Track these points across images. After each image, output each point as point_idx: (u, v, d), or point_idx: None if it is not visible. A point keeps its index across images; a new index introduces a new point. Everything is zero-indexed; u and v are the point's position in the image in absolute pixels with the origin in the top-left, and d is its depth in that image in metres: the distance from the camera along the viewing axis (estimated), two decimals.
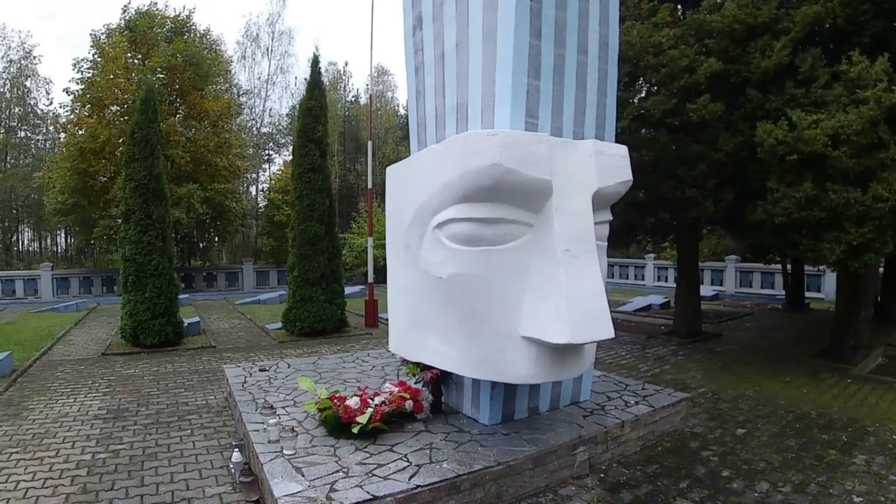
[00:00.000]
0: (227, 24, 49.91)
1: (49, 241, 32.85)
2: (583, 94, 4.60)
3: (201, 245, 27.12)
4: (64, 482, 4.47)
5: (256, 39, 33.01)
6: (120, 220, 11.68)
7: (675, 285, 10.11)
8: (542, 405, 4.99)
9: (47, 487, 4.37)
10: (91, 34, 20.34)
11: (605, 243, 3.95)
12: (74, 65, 20.13)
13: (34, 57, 28.59)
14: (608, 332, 3.27)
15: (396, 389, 5.05)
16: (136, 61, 19.91)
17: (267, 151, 35.32)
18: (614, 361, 8.36)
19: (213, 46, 23.28)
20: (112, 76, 19.26)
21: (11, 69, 27.65)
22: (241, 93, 30.55)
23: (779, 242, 6.54)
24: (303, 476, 3.81)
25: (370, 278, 12.64)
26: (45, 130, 28.18)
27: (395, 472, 3.83)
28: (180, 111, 21.35)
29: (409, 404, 4.90)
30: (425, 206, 3.68)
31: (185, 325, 10.95)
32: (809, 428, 5.42)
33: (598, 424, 4.66)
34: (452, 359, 3.83)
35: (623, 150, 3.87)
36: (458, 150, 3.38)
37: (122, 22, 20.83)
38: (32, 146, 28.46)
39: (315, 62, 11.84)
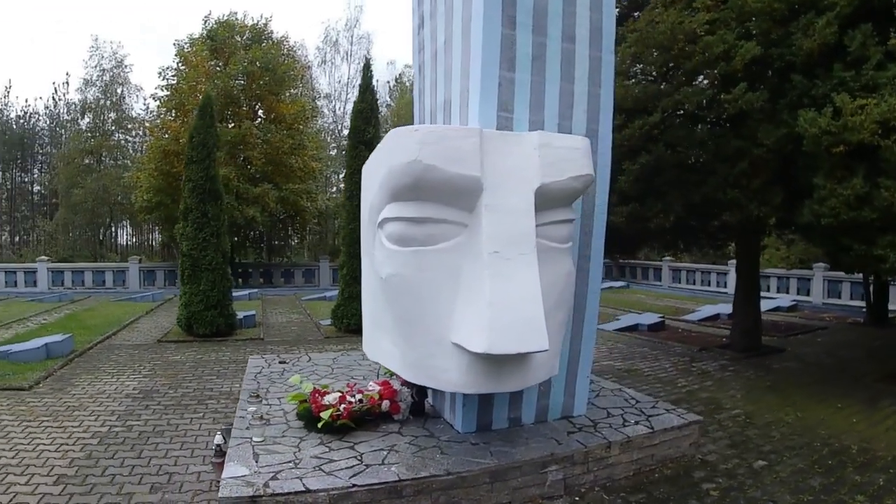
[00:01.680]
0: (308, 30, 53.34)
1: (144, 236, 37.08)
2: (570, 84, 4.39)
3: (278, 243, 29.05)
4: (75, 448, 5.07)
5: (335, 44, 34.89)
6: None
7: (760, 293, 9.22)
8: (525, 417, 4.79)
9: (59, 451, 4.98)
10: (175, 43, 22.76)
11: (566, 245, 3.62)
12: (160, 73, 22.61)
13: (125, 66, 32.56)
14: (537, 343, 3.02)
15: (377, 389, 5.11)
16: (217, 68, 21.89)
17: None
18: (653, 374, 7.79)
19: (290, 53, 25.00)
20: (194, 83, 21.35)
21: (105, 77, 31.69)
22: (321, 96, 32.49)
23: (829, 247, 5.71)
24: (256, 462, 4.00)
25: None
26: (137, 134, 31.88)
27: (341, 469, 3.89)
28: (260, 115, 23.14)
29: (385, 404, 4.93)
30: (373, 204, 3.68)
31: (240, 317, 11.86)
32: (843, 465, 4.66)
33: (579, 443, 4.38)
34: (396, 361, 3.81)
35: (579, 141, 3.54)
36: (388, 146, 3.35)
37: (204, 32, 23.02)
38: (129, 148, 32.31)
39: (367, 66, 12.34)
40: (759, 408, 6.13)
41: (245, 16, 24.04)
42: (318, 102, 31.78)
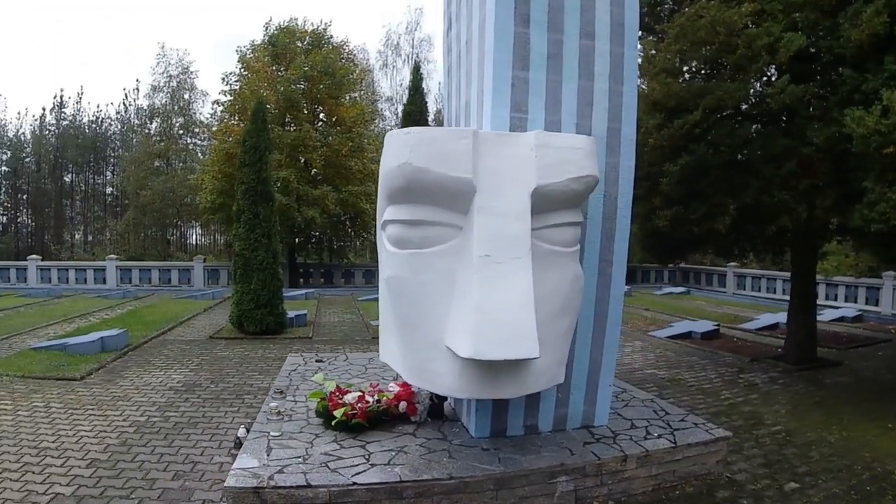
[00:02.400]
0: (370, 34, 54.82)
1: (212, 236, 39.32)
2: (589, 82, 4.30)
3: (340, 244, 29.84)
4: (112, 436, 5.47)
5: (397, 48, 35.69)
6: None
7: (826, 302, 8.64)
8: (542, 424, 4.71)
9: (97, 438, 5.39)
10: (237, 50, 24.06)
11: (571, 249, 3.51)
12: (223, 78, 23.95)
13: (191, 72, 34.69)
14: (526, 350, 2.95)
15: (395, 390, 5.19)
16: (277, 73, 22.92)
17: None
18: (696, 385, 7.44)
19: (349, 57, 25.82)
20: (256, 87, 22.46)
21: (172, 83, 33.88)
22: (382, 99, 33.32)
23: (881, 255, 5.23)
24: (267, 456, 4.18)
25: None
26: (204, 137, 33.89)
27: (346, 467, 3.99)
28: (321, 118, 24.01)
29: (402, 406, 5.01)
30: (379, 206, 3.76)
31: (291, 316, 12.36)
32: (883, 493, 4.25)
33: (593, 454, 4.25)
34: (399, 363, 3.86)
35: (581, 140, 3.42)
36: (385, 149, 3.40)
37: (266, 38, 24.17)
38: (198, 151, 34.38)
39: (416, 69, 12.60)
40: (803, 425, 5.71)
41: (305, 21, 25.00)
42: (379, 105, 32.68)
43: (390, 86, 35.96)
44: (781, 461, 4.82)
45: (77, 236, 36.37)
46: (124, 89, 49.37)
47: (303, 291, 19.43)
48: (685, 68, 6.53)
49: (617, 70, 4.35)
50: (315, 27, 24.86)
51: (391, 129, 25.27)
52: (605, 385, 4.82)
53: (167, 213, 32.12)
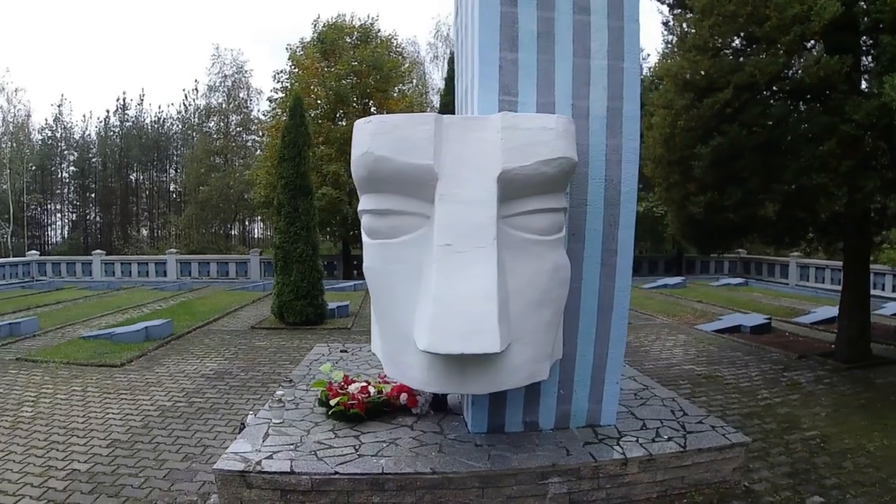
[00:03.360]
0: (420, 26, 55.40)
1: (270, 230, 41.28)
2: (585, 59, 4.11)
3: None
4: (136, 419, 5.87)
5: (447, 40, 35.86)
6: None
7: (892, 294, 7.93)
8: (543, 422, 4.58)
9: (122, 420, 5.81)
10: (287, 48, 24.91)
11: (551, 237, 3.34)
12: (274, 76, 24.92)
13: (245, 71, 36.26)
14: (484, 345, 2.84)
15: (396, 382, 5.23)
16: (327, 70, 23.59)
17: None
18: (734, 383, 7.00)
19: (397, 50, 26.18)
20: (306, 84, 23.21)
21: (227, 83, 35.55)
22: (434, 91, 33.68)
23: None
24: (262, 442, 4.34)
25: None
26: (262, 134, 35.47)
27: (334, 456, 4.07)
28: (373, 111, 24.56)
29: (403, 397, 5.03)
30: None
31: (333, 307, 12.77)
32: None
33: (591, 456, 4.10)
34: (380, 354, 3.87)
35: (553, 120, 3.22)
36: (353, 139, 3.40)
37: (315, 35, 24.88)
38: (256, 147, 36.04)
39: (452, 59, 12.56)
40: (841, 430, 5.23)
41: (353, 17, 25.54)
42: (431, 97, 33.01)
43: (441, 77, 36.25)
44: (809, 471, 4.44)
45: (144, 232, 39.15)
46: (184, 90, 52.68)
47: (352, 283, 19.91)
48: (715, 44, 6.09)
49: (616, 45, 4.13)
50: (363, 22, 25.33)
51: None
52: (612, 382, 4.62)
53: (224, 209, 33.92)
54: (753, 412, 5.81)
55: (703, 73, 6.07)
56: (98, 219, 39.45)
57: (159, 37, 55.78)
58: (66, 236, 38.51)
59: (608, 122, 4.22)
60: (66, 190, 39.87)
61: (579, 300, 4.40)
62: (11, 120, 33.34)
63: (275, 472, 3.85)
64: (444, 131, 3.12)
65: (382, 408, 5.01)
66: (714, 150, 6.03)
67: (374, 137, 3.12)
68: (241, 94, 36.92)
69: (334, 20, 25.16)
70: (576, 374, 4.53)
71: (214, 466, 4.00)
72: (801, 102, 5.83)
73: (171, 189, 41.24)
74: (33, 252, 24.85)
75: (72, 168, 39.14)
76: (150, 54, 55.88)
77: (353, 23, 25.42)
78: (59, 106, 40.81)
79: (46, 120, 41.25)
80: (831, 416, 5.59)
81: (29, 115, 35.32)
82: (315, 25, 25.37)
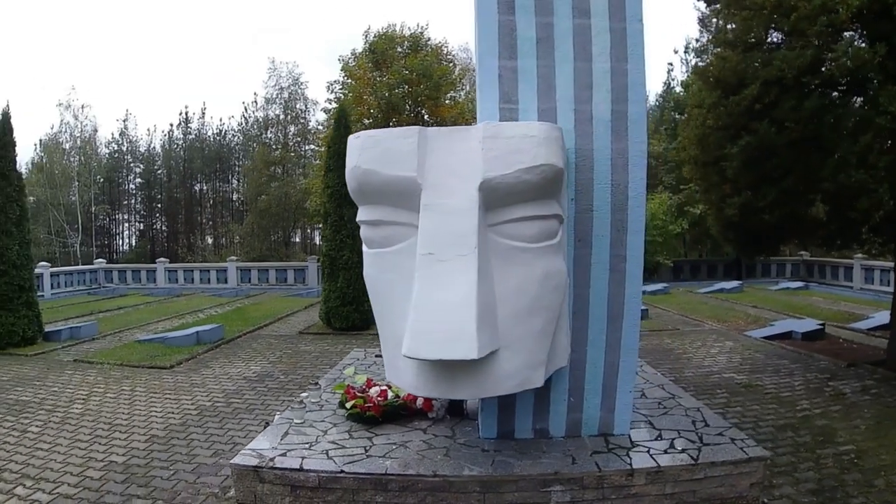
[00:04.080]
0: (472, 32, 55.84)
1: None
2: (586, 63, 4.11)
3: None
4: (176, 417, 6.31)
5: None
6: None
7: None
8: (553, 429, 4.57)
9: (163, 418, 6.26)
10: (339, 59, 25.85)
11: (540, 244, 3.35)
12: (328, 87, 25.87)
13: (301, 83, 37.69)
14: (461, 352, 2.90)
15: None
16: (379, 79, 24.30)
17: None
18: (774, 392, 6.65)
19: (448, 58, 26.63)
20: (358, 94, 23.99)
21: (284, 94, 37.13)
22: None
23: None
24: (280, 440, 4.60)
25: None
26: (320, 144, 36.87)
27: (343, 456, 4.27)
28: (425, 119, 25.05)
29: (419, 401, 5.16)
30: None
31: None
32: None
33: (596, 465, 4.05)
34: (383, 358, 4.01)
35: (535, 128, 3.25)
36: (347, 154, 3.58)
37: (366, 46, 25.65)
38: (314, 158, 37.49)
39: None
40: (880, 445, 4.86)
41: (403, 27, 26.17)
42: None
43: None
44: (836, 488, 4.18)
45: (209, 240, 41.56)
46: (243, 102, 55.65)
47: None
48: (745, 39, 5.85)
49: (619, 47, 4.09)
50: (413, 32, 25.90)
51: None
52: (626, 391, 4.54)
53: (284, 217, 35.46)
54: (788, 424, 5.52)
55: (732, 69, 5.86)
56: (164, 228, 42.26)
57: (219, 52, 59.57)
58: (133, 245, 41.49)
59: (613, 125, 4.18)
60: (132, 201, 42.96)
61: (588, 307, 4.38)
62: (79, 135, 36.32)
63: (286, 469, 4.08)
64: (428, 143, 3.24)
65: (400, 411, 5.16)
66: (743, 149, 5.80)
67: (361, 152, 3.29)
68: (297, 106, 38.54)
69: (385, 30, 25.86)
70: (586, 381, 4.49)
71: (231, 461, 4.29)
72: (835, 96, 5.49)
73: (235, 199, 43.54)
74: (100, 260, 26.82)
75: (138, 180, 42.16)
76: (211, 69, 59.77)
77: (404, 32, 26.03)
78: (124, 121, 44.22)
79: (113, 134, 44.64)
80: (871, 430, 5.22)
81: (96, 130, 38.26)
82: (366, 36, 26.20)
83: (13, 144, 10.24)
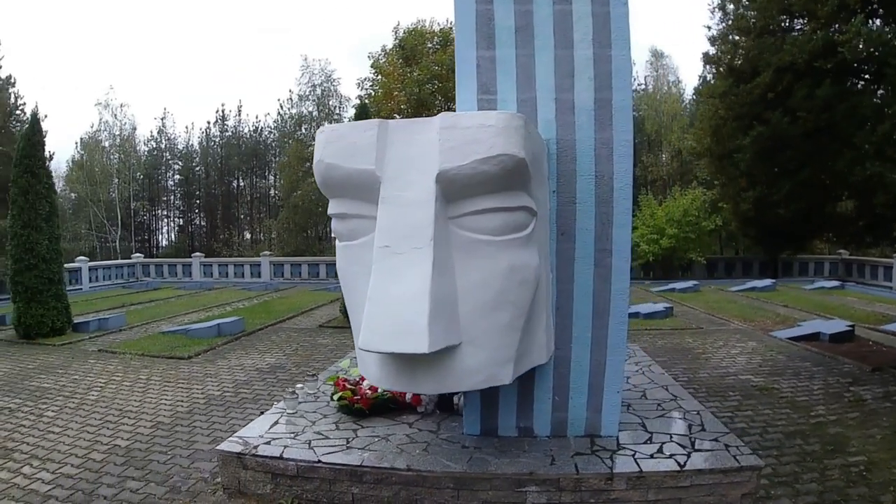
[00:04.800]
0: None
1: None
2: (567, 51, 3.99)
3: None
4: (184, 405, 6.53)
5: None
6: None
7: None
8: (538, 428, 4.48)
9: (171, 406, 6.48)
10: (369, 56, 26.08)
11: (505, 237, 3.27)
12: (358, 83, 26.17)
13: (333, 80, 38.15)
14: (412, 345, 2.86)
15: None
16: (409, 75, 24.40)
17: None
18: (789, 397, 6.32)
19: None
20: (388, 90, 24.16)
21: (317, 91, 37.65)
22: None
23: None
24: (269, 429, 4.72)
25: None
26: None
27: (324, 446, 4.34)
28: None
29: (408, 396, 5.17)
30: None
31: None
32: None
33: (574, 467, 3.94)
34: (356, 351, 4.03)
35: (493, 117, 3.11)
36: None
37: (396, 42, 25.77)
38: None
39: None
40: (893, 457, 4.52)
41: (432, 22, 26.19)
42: None
43: None
44: (838, 503, 3.92)
45: (248, 235, 42.74)
46: (278, 99, 56.94)
47: None
48: (758, 24, 5.54)
49: (602, 32, 3.95)
50: (442, 27, 25.83)
51: None
52: (613, 391, 4.40)
53: (317, 213, 36.10)
54: (798, 431, 5.23)
55: (744, 56, 5.59)
56: (203, 223, 43.68)
57: (254, 50, 61.37)
58: (172, 240, 43.06)
59: (596, 114, 4.05)
60: (172, 197, 44.55)
61: (572, 303, 4.27)
62: (118, 133, 37.89)
63: (267, 457, 4.18)
64: (389, 136, 3.21)
65: (389, 405, 5.18)
66: (755, 140, 5.53)
67: (325, 146, 3.30)
68: (330, 102, 39.06)
69: (414, 26, 25.88)
70: (571, 380, 4.38)
71: (217, 448, 4.41)
72: (850, 82, 5.14)
73: (272, 195, 44.62)
74: (138, 255, 27.95)
75: (177, 176, 43.67)
76: (246, 67, 61.61)
77: (433, 28, 26.00)
78: (162, 119, 45.66)
79: (151, 132, 46.32)
80: (887, 440, 4.87)
81: (134, 129, 39.78)
82: (396, 32, 26.30)
83: (42, 144, 10.81)
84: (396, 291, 3.01)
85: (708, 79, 7.54)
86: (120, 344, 10.09)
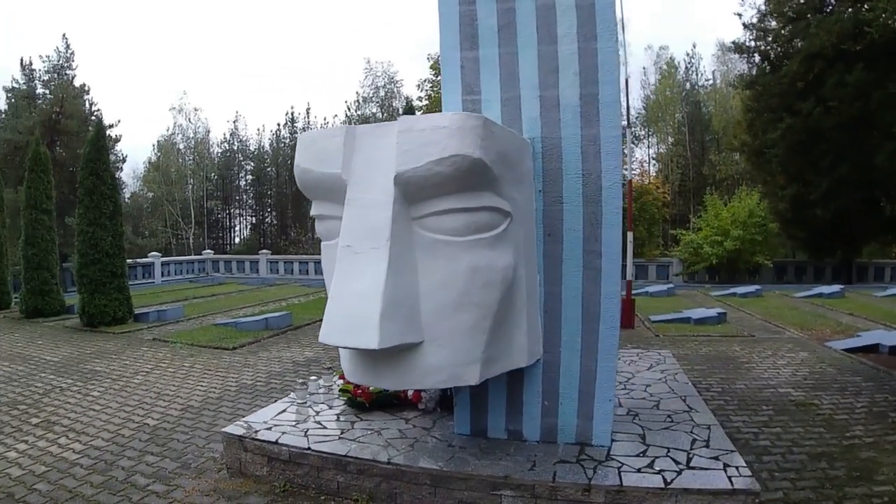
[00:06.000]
0: None
1: None
2: (551, 46, 3.89)
3: None
4: (216, 392, 6.93)
5: None
6: None
7: None
8: (528, 432, 4.37)
9: (205, 392, 6.90)
10: (428, 57, 26.52)
11: (468, 237, 3.23)
12: (418, 85, 26.67)
13: (396, 81, 38.89)
14: (365, 340, 2.93)
15: None
16: None
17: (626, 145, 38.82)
18: (827, 414, 5.73)
19: None
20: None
21: (380, 93, 38.53)
22: None
23: None
24: (275, 416, 4.99)
25: (629, 275, 12.26)
26: None
27: (318, 435, 4.53)
28: None
29: (409, 392, 5.22)
30: None
31: None
32: None
33: (552, 475, 3.81)
34: None
35: (447, 119, 3.07)
36: None
37: None
38: None
39: None
40: None
41: None
42: None
43: None
44: None
45: (311, 235, 44.59)
46: (345, 101, 58.92)
47: None
48: (792, 7, 5.07)
49: (587, 25, 3.80)
50: None
51: None
52: (604, 399, 4.20)
53: None
54: (826, 452, 4.74)
55: (774, 42, 5.16)
56: (274, 221, 45.95)
57: (321, 54, 64.12)
58: (244, 238, 45.58)
59: (582, 110, 3.91)
60: (244, 196, 47.12)
61: (560, 305, 4.15)
62: (192, 136, 40.57)
63: (264, 441, 4.41)
64: (356, 140, 3.29)
65: (392, 400, 5.26)
66: (785, 133, 5.10)
67: (300, 151, 3.46)
68: (394, 104, 39.97)
69: None
70: (561, 386, 4.25)
71: (223, 429, 4.69)
72: (885, 66, 4.60)
73: None
74: (208, 251, 29.82)
75: (249, 176, 46.16)
76: (314, 71, 64.68)
77: None
78: (234, 122, 48.52)
79: (224, 134, 49.17)
80: None
81: (208, 132, 42.55)
82: None
83: (106, 148, 11.84)
84: (353, 289, 3.08)
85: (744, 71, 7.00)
86: (173, 334, 10.83)
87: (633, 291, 12.97)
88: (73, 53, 29.77)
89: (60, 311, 13.48)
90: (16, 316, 13.69)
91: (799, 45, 4.94)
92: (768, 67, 5.41)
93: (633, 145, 41.69)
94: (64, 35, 39.01)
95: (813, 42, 4.77)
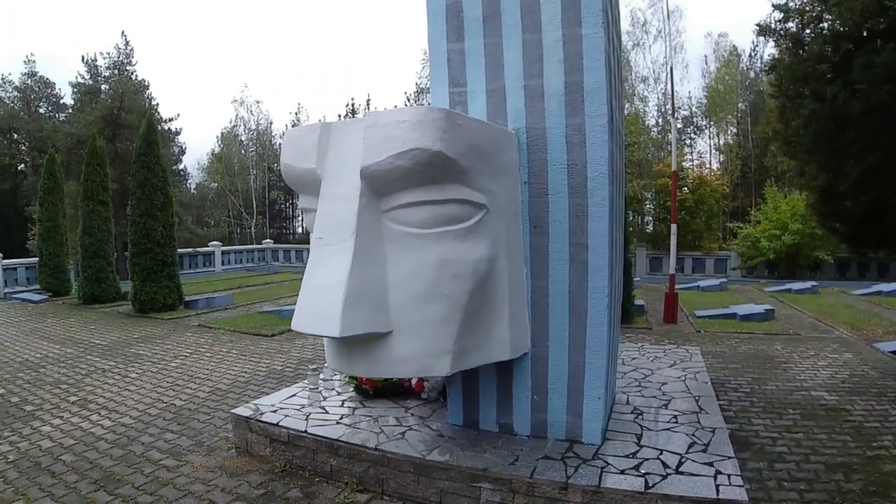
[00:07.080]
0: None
1: None
2: (535, 35, 3.74)
3: None
4: (245, 375, 7.23)
5: (644, 25, 33.80)
6: None
7: None
8: (518, 426, 4.28)
9: (233, 376, 7.20)
10: None
11: (435, 230, 3.21)
12: None
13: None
14: (327, 329, 3.00)
15: None
16: None
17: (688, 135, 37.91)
18: (858, 421, 5.22)
19: None
20: None
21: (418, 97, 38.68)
22: (638, 80, 33.24)
23: None
24: (284, 399, 5.17)
25: (671, 268, 11.83)
26: None
27: (319, 419, 4.65)
28: None
29: (413, 381, 5.26)
30: None
31: None
32: None
33: (529, 472, 3.71)
34: None
35: (408, 113, 3.04)
36: None
37: None
38: None
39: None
40: None
41: None
42: (636, 86, 32.81)
43: (644, 64, 34.87)
44: None
45: None
46: (405, 93, 59.47)
47: None
48: None
49: (571, 11, 3.62)
50: None
51: (645, 111, 25.52)
52: (594, 397, 4.03)
53: None
54: (846, 463, 4.34)
55: (799, 21, 4.75)
56: None
57: (382, 46, 65.18)
58: (305, 227, 47.10)
59: (567, 98, 3.74)
60: None
61: (547, 299, 4.02)
62: (254, 128, 41.89)
63: (267, 423, 4.58)
64: (330, 136, 3.33)
65: (397, 388, 5.31)
66: (809, 119, 4.68)
67: (285, 148, 3.55)
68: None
69: None
70: (549, 381, 4.12)
71: (231, 410, 4.90)
72: None
73: None
74: (268, 241, 30.73)
75: None
76: (374, 63, 65.83)
77: None
78: (296, 114, 49.64)
79: (287, 126, 50.81)
80: None
81: (270, 123, 43.71)
82: None
83: (157, 143, 12.36)
84: (322, 279, 3.14)
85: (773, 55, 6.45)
86: (218, 320, 11.33)
87: (684, 285, 12.31)
88: (132, 50, 32.06)
89: (116, 298, 14.11)
90: (74, 302, 14.35)
91: (825, 25, 4.47)
92: (795, 49, 4.93)
93: (694, 136, 39.77)
94: (123, 32, 41.92)
95: (839, 20, 4.30)
